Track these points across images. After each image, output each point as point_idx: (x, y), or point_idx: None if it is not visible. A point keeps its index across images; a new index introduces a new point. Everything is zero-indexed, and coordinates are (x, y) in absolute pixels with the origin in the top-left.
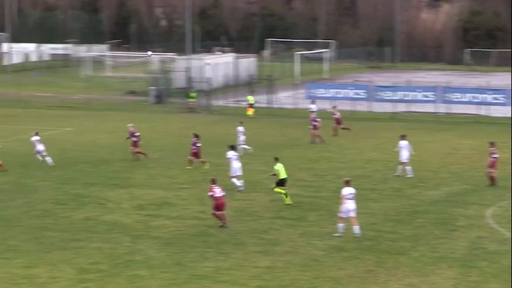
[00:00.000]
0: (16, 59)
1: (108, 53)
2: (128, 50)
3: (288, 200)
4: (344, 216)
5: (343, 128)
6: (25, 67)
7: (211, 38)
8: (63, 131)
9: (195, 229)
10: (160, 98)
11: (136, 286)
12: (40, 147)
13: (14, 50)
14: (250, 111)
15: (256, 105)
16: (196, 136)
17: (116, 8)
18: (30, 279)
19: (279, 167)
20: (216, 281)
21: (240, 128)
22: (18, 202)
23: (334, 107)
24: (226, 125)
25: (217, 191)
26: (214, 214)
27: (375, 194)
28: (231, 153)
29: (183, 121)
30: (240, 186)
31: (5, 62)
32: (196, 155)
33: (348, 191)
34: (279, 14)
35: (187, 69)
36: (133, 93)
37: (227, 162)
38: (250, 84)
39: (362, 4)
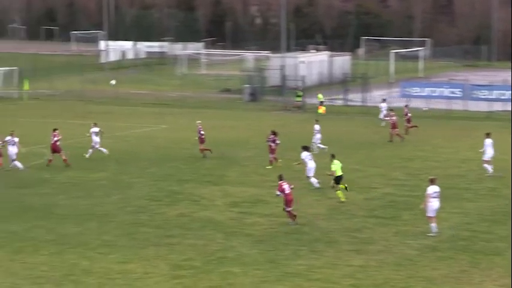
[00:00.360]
0: (113, 57)
1: (203, 51)
2: (223, 48)
3: (343, 197)
4: (432, 215)
5: (412, 127)
6: (121, 65)
7: (306, 36)
8: (158, 128)
9: (287, 227)
10: (254, 96)
11: (228, 283)
12: (96, 139)
13: (111, 47)
14: (321, 109)
15: (350, 103)
16: (274, 133)
17: (211, 6)
18: (124, 274)
19: (336, 165)
20: (308, 279)
21: (317, 126)
22: (113, 198)
23: (406, 106)
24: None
25: (286, 187)
26: (286, 211)
27: (470, 194)
28: (304, 154)
29: (277, 119)
30: (317, 184)
31: (102, 60)
32: (272, 151)
33: (433, 189)
34: (374, 12)
35: (282, 68)
36: (227, 91)
37: (303, 162)
38: (344, 83)
39: (459, 2)
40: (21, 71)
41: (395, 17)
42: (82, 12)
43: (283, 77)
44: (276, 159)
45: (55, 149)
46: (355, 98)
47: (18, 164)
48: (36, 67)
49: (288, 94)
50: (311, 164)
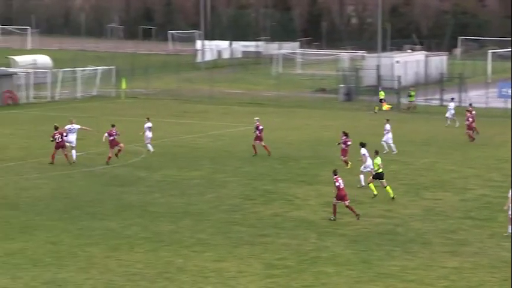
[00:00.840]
0: (209, 56)
1: (299, 51)
2: (319, 47)
3: (374, 190)
4: None
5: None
6: (217, 64)
7: (401, 35)
8: (253, 128)
9: (381, 227)
10: (349, 96)
11: (322, 283)
12: (149, 134)
13: (207, 47)
14: (386, 107)
15: (446, 103)
16: (346, 134)
17: (307, 6)
18: (218, 272)
19: (378, 161)
20: (402, 280)
21: (387, 126)
22: (208, 197)
23: (470, 105)
24: (415, 123)
25: (340, 183)
26: (334, 204)
27: None
28: (363, 151)
29: (372, 119)
30: (363, 182)
31: (198, 59)
32: (344, 153)
33: None
34: (471, 12)
35: (377, 67)
36: (323, 90)
37: (362, 159)
38: (440, 83)
39: None
40: (118, 70)
41: (492, 17)
42: (179, 12)
43: (379, 77)
44: (346, 162)
45: (113, 144)
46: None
47: (74, 153)
48: (133, 66)
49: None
50: (369, 161)
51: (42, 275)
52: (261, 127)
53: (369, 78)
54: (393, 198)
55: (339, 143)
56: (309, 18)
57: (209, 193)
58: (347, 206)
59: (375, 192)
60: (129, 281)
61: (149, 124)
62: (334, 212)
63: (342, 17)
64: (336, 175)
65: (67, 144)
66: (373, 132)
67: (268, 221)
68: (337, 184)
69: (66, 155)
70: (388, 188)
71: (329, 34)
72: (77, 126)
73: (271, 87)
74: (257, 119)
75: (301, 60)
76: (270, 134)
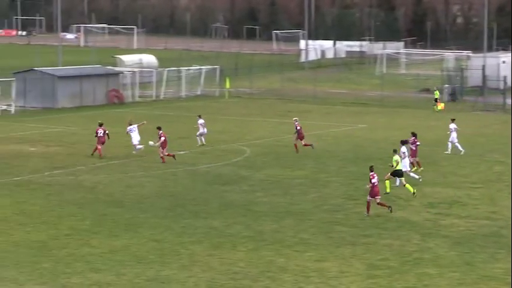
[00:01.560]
0: (313, 56)
1: (403, 51)
2: (423, 47)
3: (388, 189)
4: None
5: None
6: (321, 64)
7: (508, 35)
8: (356, 128)
9: (486, 229)
10: (454, 96)
11: (424, 284)
12: (202, 130)
13: (311, 47)
14: (440, 106)
15: None
16: (415, 135)
17: (412, 5)
18: (320, 272)
19: (396, 158)
20: (506, 283)
21: (452, 125)
22: (311, 196)
23: None
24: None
25: (375, 180)
26: (368, 201)
27: None
28: (403, 149)
29: (477, 119)
30: (417, 178)
31: (302, 59)
32: (414, 154)
33: None
34: None
35: (483, 68)
36: (427, 90)
37: (401, 157)
38: None
39: None
40: (223, 69)
41: None
42: (283, 12)
43: (484, 78)
44: (418, 163)
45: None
46: None
47: (140, 147)
48: (237, 66)
49: (488, 94)
50: (405, 161)
51: (145, 272)
52: (298, 127)
53: (474, 78)
54: (414, 193)
55: (409, 142)
56: (413, 18)
57: (312, 193)
58: (378, 203)
59: (388, 190)
60: (231, 279)
61: (202, 121)
62: (368, 209)
63: (447, 17)
64: (372, 171)
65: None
66: (479, 132)
67: (370, 222)
68: (373, 181)
69: (99, 150)
70: (407, 185)
71: (434, 34)
72: (135, 125)
73: (375, 87)
74: (295, 119)
75: (405, 60)
76: (373, 133)
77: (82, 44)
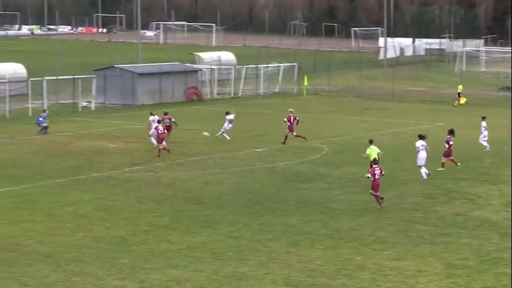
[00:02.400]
0: (391, 54)
1: (483, 48)
2: (504, 45)
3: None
4: None
5: None
6: (399, 61)
7: None
8: (434, 126)
9: None
10: None
11: (503, 284)
12: (229, 126)
13: (389, 44)
14: (463, 100)
15: None
16: (451, 133)
17: (493, 2)
18: (397, 271)
19: (372, 150)
20: None
21: (484, 123)
22: (389, 194)
23: None
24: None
25: (377, 173)
26: (372, 194)
27: None
28: (419, 143)
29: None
30: (426, 174)
31: (381, 57)
32: (447, 153)
33: None
34: None
35: None
36: (507, 89)
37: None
38: None
39: None
40: (301, 67)
41: None
42: (362, 9)
43: None
44: (453, 161)
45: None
46: None
47: (153, 140)
48: (315, 63)
49: None
50: (422, 154)
51: (223, 269)
52: (292, 119)
53: None
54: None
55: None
56: (494, 15)
57: (389, 191)
58: (371, 194)
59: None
60: (308, 277)
61: (231, 116)
62: (378, 200)
63: None
64: (376, 165)
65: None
66: None
67: (449, 220)
68: (369, 175)
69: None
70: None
71: None
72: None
73: (454, 85)
74: (291, 110)
75: (485, 58)
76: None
77: (161, 41)
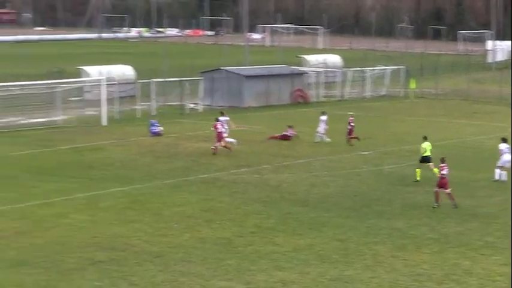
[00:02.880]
0: (500, 56)
1: None
2: None
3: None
4: None
5: None
6: (508, 64)
7: None
8: None
9: None
10: None
11: None
12: (323, 127)
13: (498, 47)
14: None
15: None
16: (505, 140)
17: None
18: (506, 276)
19: (426, 146)
20: None
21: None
22: (496, 199)
23: None
24: None
25: (445, 172)
26: (435, 192)
27: None
28: (503, 146)
29: None
30: (499, 177)
31: (489, 60)
32: None
33: None
34: None
35: None
36: None
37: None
38: None
39: None
40: (407, 69)
41: None
42: (469, 12)
43: None
44: None
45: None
46: None
47: (229, 140)
48: (422, 66)
49: None
50: (506, 157)
51: (329, 271)
52: (352, 123)
53: None
54: (417, 180)
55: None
56: None
57: (497, 195)
58: (448, 194)
59: (418, 178)
60: (415, 281)
61: (324, 117)
62: (436, 199)
63: None
64: (443, 163)
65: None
66: None
67: None
68: (442, 172)
69: (225, 146)
70: (435, 169)
71: None
72: (226, 118)
73: None
74: (351, 113)
75: None
76: None
77: (268, 43)
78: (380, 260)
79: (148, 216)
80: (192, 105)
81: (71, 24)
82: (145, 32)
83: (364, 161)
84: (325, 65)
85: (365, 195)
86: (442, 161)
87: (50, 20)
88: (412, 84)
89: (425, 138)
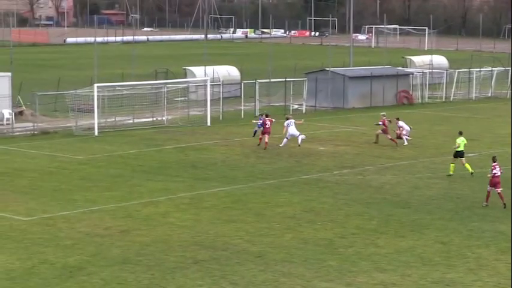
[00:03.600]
0: None
1: None
2: None
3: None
4: None
5: None
6: None
7: None
8: None
9: None
10: None
11: None
12: (406, 128)
13: None
14: None
15: None
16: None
17: None
18: None
19: (461, 141)
20: None
21: None
22: None
23: None
24: None
25: (497, 171)
26: (487, 190)
27: None
28: None
29: None
30: None
31: None
32: None
33: None
34: None
35: None
36: None
37: None
38: None
39: None
40: None
41: None
42: None
43: None
44: None
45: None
46: None
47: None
48: None
49: None
50: None
51: (430, 274)
52: (386, 122)
53: None
54: (472, 173)
55: None
56: None
57: None
58: (499, 193)
59: (451, 172)
60: None
61: (401, 123)
62: (487, 198)
63: None
64: (494, 162)
65: (290, 135)
66: None
67: None
68: (493, 171)
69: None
70: (466, 164)
71: None
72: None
73: None
74: (383, 114)
75: None
76: None
77: (373, 44)
78: (483, 263)
79: (250, 216)
80: (296, 106)
81: (178, 25)
82: (251, 33)
83: (469, 163)
84: (431, 66)
85: (468, 198)
86: (494, 160)
87: (158, 21)
88: None
89: (460, 133)
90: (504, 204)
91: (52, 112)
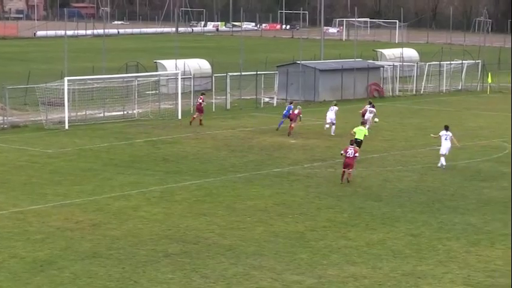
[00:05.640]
0: None
1: None
2: None
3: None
4: None
5: None
6: None
7: None
8: None
9: None
10: None
11: None
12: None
13: None
14: None
15: None
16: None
17: None
18: None
19: (360, 130)
20: None
21: None
22: None
23: None
24: None
25: (349, 152)
26: (342, 170)
27: None
28: None
29: None
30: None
31: None
32: None
33: None
34: None
35: None
36: None
37: None
38: None
39: None
40: (484, 64)
41: None
42: None
43: None
44: None
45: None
46: None
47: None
48: (500, 60)
49: None
50: None
51: (401, 267)
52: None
53: None
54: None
55: None
56: None
57: None
58: (348, 173)
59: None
60: (488, 277)
61: (370, 114)
62: (342, 177)
63: None
64: (351, 145)
65: (329, 120)
66: None
67: None
68: (342, 152)
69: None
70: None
71: None
72: (335, 108)
73: None
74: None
75: None
76: None
77: (344, 37)
78: (453, 255)
79: (221, 210)
80: (267, 99)
81: (149, 18)
82: (222, 26)
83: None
84: (401, 59)
85: (439, 191)
86: (351, 143)
87: (128, 14)
88: (489, 79)
89: (362, 124)
90: (348, 180)
91: (22, 106)
